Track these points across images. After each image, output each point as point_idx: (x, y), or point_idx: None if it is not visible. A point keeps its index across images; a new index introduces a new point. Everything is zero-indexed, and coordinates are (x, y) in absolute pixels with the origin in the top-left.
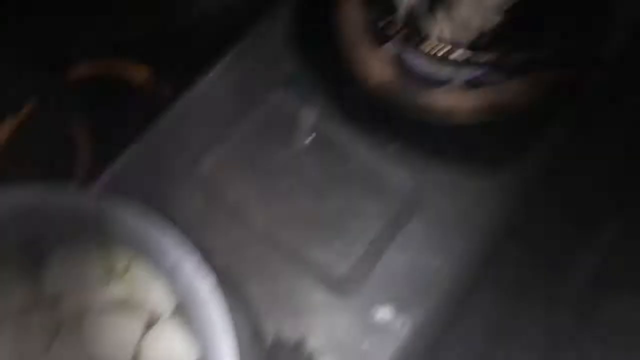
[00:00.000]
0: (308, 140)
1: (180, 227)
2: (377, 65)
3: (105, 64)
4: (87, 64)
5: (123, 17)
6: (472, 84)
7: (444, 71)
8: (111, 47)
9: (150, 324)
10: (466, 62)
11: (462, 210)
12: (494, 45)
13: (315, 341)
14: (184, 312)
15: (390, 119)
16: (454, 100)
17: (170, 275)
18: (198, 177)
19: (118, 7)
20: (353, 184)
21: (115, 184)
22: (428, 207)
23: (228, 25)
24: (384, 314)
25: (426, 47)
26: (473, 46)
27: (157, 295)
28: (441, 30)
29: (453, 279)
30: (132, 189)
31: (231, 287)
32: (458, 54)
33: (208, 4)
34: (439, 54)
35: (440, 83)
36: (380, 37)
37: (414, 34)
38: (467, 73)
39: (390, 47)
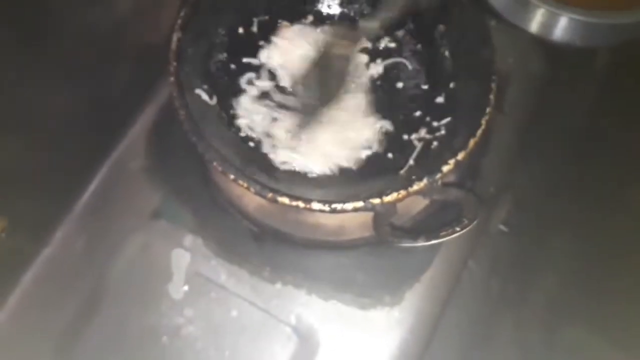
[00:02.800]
0: (183, 292)
1: None
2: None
3: None
4: None
5: None
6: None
7: None
8: None
9: None
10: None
11: (369, 344)
12: None
13: None
14: None
15: (275, 248)
16: (342, 216)
17: None
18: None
19: None
20: (240, 336)
21: None
22: (331, 345)
23: (79, 163)
24: None
25: None
26: None
27: None
28: None
29: None
30: None
31: None
32: None
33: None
34: None
35: None
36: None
37: None
38: None
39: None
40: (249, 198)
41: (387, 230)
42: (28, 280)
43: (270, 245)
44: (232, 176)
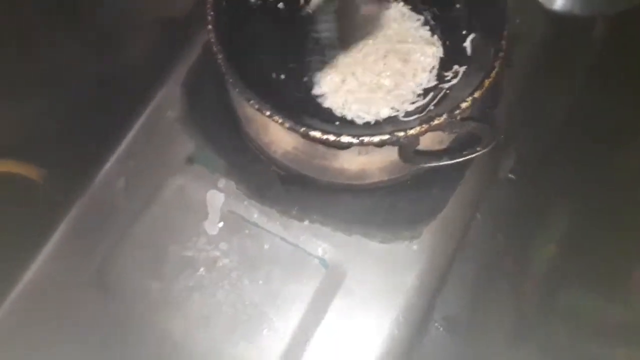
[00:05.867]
0: (218, 228)
1: None
2: (279, 135)
3: None
4: None
5: None
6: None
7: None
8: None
9: None
10: None
11: (390, 274)
12: None
13: None
14: None
15: (302, 190)
16: (364, 160)
17: None
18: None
19: None
20: (272, 267)
21: None
22: (355, 275)
23: (117, 114)
24: None
25: None
26: None
27: None
28: None
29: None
30: None
31: None
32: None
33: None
34: None
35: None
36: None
37: None
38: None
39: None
40: (277, 145)
41: (412, 155)
42: (70, 220)
43: (296, 189)
44: (267, 112)
